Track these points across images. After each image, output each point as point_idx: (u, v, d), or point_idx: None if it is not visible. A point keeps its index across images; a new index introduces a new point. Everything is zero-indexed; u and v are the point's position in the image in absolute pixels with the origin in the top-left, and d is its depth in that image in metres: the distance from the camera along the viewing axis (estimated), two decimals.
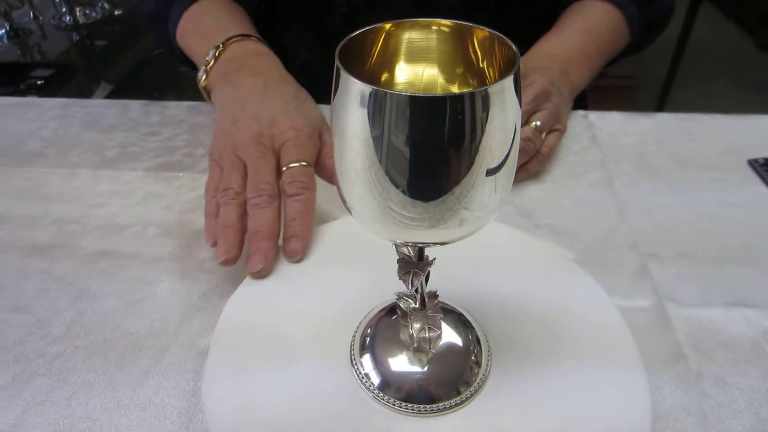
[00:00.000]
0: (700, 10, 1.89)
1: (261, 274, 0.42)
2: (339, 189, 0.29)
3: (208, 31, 0.59)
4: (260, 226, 0.43)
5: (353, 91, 0.25)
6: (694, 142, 0.61)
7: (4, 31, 1.85)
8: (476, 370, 0.36)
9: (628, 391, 0.36)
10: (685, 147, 0.60)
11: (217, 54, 0.55)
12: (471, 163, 0.25)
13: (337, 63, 0.25)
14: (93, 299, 0.42)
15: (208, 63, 0.55)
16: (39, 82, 1.61)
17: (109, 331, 0.40)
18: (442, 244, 0.30)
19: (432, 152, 0.25)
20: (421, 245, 0.32)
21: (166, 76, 1.91)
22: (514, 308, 0.41)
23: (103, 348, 0.39)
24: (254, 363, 0.37)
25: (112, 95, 1.70)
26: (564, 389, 0.36)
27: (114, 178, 0.54)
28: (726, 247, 0.48)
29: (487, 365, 0.37)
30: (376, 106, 0.24)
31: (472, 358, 0.37)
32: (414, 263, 0.33)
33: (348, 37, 0.27)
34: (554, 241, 0.48)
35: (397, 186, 0.26)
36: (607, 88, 1.85)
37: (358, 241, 0.46)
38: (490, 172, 0.26)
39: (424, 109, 0.24)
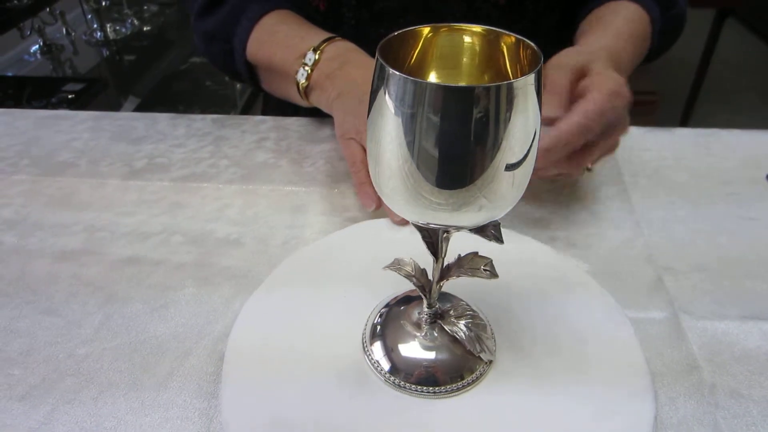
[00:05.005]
0: (724, 26, 1.88)
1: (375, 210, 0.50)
2: (374, 181, 0.32)
3: (289, 39, 0.62)
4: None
5: (393, 84, 0.27)
6: (712, 156, 0.61)
7: (37, 46, 1.92)
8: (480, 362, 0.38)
9: (631, 400, 0.36)
10: (703, 162, 0.60)
11: (317, 57, 0.58)
12: (493, 157, 0.28)
13: (377, 58, 0.28)
14: (120, 303, 0.44)
15: (307, 65, 0.59)
16: (70, 96, 1.65)
17: (135, 334, 0.41)
18: (462, 228, 0.32)
19: (459, 142, 0.27)
20: (444, 227, 0.33)
21: (192, 90, 1.95)
22: (523, 310, 0.42)
23: (129, 350, 0.40)
24: (270, 365, 0.39)
25: (140, 108, 1.74)
26: (563, 387, 0.37)
27: (141, 188, 0.56)
28: (742, 261, 0.48)
29: (493, 349, 0.38)
30: (414, 97, 0.27)
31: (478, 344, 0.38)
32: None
33: (387, 38, 0.29)
34: (570, 253, 0.48)
35: (427, 174, 0.29)
36: (631, 104, 1.84)
37: (365, 250, 0.48)
38: (510, 168, 0.28)
39: (454, 98, 0.26)
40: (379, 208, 0.50)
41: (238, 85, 1.86)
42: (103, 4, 2.19)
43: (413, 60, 0.33)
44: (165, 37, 2.23)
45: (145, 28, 2.27)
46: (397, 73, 0.26)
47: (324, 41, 0.59)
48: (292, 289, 0.44)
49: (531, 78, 0.26)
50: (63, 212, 0.53)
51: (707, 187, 0.56)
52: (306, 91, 0.60)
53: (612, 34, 0.59)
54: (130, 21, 2.25)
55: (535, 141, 0.29)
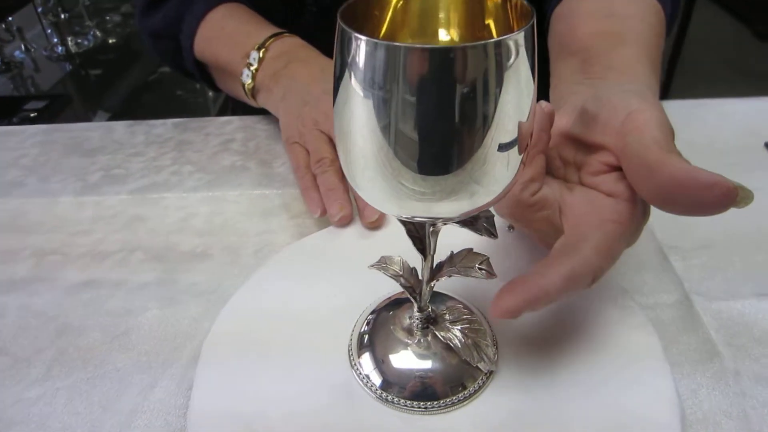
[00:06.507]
0: (696, 2, 1.87)
1: (344, 222, 0.45)
2: (347, 174, 0.28)
3: (235, 36, 0.58)
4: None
5: (360, 51, 0.23)
6: (707, 127, 0.58)
7: None
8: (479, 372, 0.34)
9: (652, 393, 0.32)
10: (699, 133, 0.57)
11: (261, 55, 0.55)
12: (483, 136, 0.24)
13: (339, 24, 0.24)
14: (75, 334, 0.39)
15: (252, 65, 0.55)
16: (32, 115, 1.59)
17: (93, 368, 0.37)
18: (451, 219, 0.28)
19: (442, 119, 0.23)
20: (430, 220, 0.29)
21: (163, 100, 1.90)
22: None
23: (87, 388, 0.36)
24: (248, 372, 0.35)
25: None
26: (579, 381, 0.33)
27: (97, 204, 0.51)
28: (750, 235, 0.45)
29: (494, 357, 0.34)
30: (387, 67, 0.22)
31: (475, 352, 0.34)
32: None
33: (348, 3, 0.25)
34: None
35: (407, 160, 0.24)
36: None
37: (350, 247, 0.44)
38: (503, 147, 0.24)
39: (434, 62, 0.22)
40: (325, 215, 0.46)
41: (210, 93, 1.81)
42: (62, 17, 2.12)
43: (383, 31, 0.28)
44: (131, 48, 2.16)
45: (110, 41, 2.20)
46: (363, 37, 0.22)
47: (270, 38, 0.56)
48: (267, 301, 0.39)
49: (521, 36, 0.22)
50: (9, 237, 0.48)
51: (706, 159, 0.52)
52: (253, 93, 0.57)
53: (647, 58, 0.42)
54: (92, 33, 2.18)
55: (530, 115, 0.25)
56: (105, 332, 0.39)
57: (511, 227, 0.40)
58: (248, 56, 0.56)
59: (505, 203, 0.34)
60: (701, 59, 2.23)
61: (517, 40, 0.22)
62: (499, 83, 0.22)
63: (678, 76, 1.99)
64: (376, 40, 0.22)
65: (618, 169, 0.33)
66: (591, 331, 0.36)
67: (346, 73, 0.24)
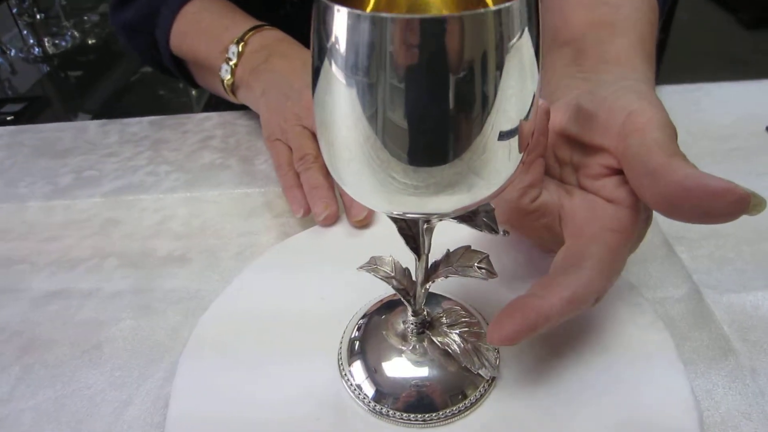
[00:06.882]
0: None
1: (329, 221, 0.43)
2: (330, 168, 0.25)
3: (213, 29, 0.55)
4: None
5: (341, 27, 0.20)
6: (704, 112, 0.56)
7: None
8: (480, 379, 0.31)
9: (667, 396, 0.30)
10: (697, 119, 0.55)
11: (240, 49, 0.52)
12: (483, 123, 0.21)
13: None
14: (42, 349, 0.36)
15: (230, 60, 0.53)
16: (9, 118, 1.55)
17: (61, 386, 0.34)
18: (447, 215, 0.26)
19: (436, 102, 0.20)
20: (424, 216, 0.26)
21: (145, 101, 1.86)
22: None
23: (55, 408, 0.33)
24: (229, 384, 0.32)
25: None
26: (588, 384, 0.31)
27: (68, 208, 0.48)
28: (758, 223, 0.42)
29: (496, 362, 0.32)
30: (372, 45, 0.20)
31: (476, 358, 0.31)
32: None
33: None
34: None
35: (397, 152, 0.22)
36: None
37: (337, 247, 0.41)
38: (504, 136, 0.21)
39: (426, 34, 0.19)
40: (308, 214, 0.44)
41: (194, 92, 1.77)
42: (38, 17, 2.07)
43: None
44: (111, 49, 2.12)
45: (89, 41, 2.16)
46: (345, 8, 0.19)
47: (249, 31, 0.53)
48: (250, 307, 0.37)
49: (523, 5, 0.20)
50: None
51: (706, 145, 0.51)
52: (233, 89, 0.54)
53: (641, 49, 0.40)
54: (69, 33, 2.14)
55: (535, 99, 0.22)
56: (75, 346, 0.36)
57: (506, 232, 0.38)
58: (227, 51, 0.53)
59: (503, 210, 0.32)
60: (686, 47, 2.22)
61: (520, 9, 0.19)
62: (501, 59, 0.20)
63: (663, 64, 1.98)
64: (359, 12, 0.19)
65: (619, 172, 0.31)
66: (598, 331, 0.33)
67: (326, 56, 0.21)
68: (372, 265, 0.32)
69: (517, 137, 0.23)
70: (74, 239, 0.45)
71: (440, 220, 0.26)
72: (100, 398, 0.33)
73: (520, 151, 0.24)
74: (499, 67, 0.20)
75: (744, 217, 0.45)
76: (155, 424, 0.32)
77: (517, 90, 0.21)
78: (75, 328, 0.38)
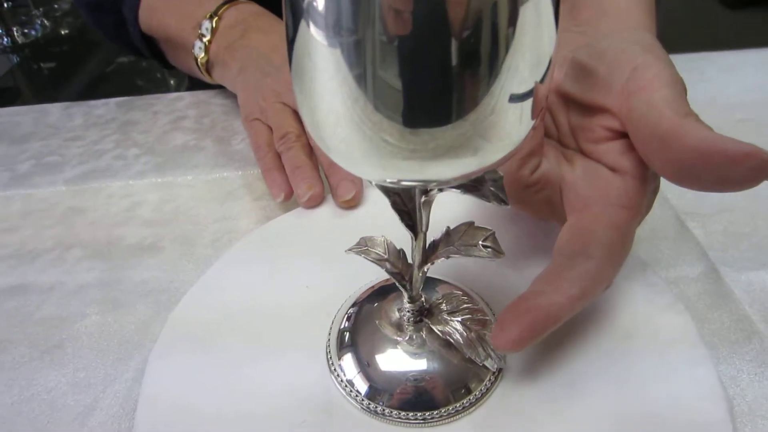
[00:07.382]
0: None
1: (313, 202, 0.40)
2: (315, 136, 0.21)
3: (184, 4, 0.52)
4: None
5: None
6: (709, 83, 0.53)
7: None
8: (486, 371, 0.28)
9: (691, 384, 0.27)
10: (699, 88, 0.52)
11: (214, 25, 0.49)
12: (490, 84, 0.18)
13: None
14: None
15: (204, 36, 0.49)
16: None
17: (18, 390, 0.30)
18: (448, 184, 0.22)
19: (436, 59, 0.17)
20: (422, 184, 0.23)
21: (122, 92, 1.80)
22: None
23: (11, 415, 0.29)
24: (205, 383, 0.29)
25: None
26: (603, 373, 0.28)
27: (27, 197, 0.44)
28: None
29: (503, 354, 0.28)
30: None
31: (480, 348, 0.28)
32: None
33: None
34: None
35: (391, 113, 0.18)
36: None
37: (323, 229, 0.38)
38: (516, 99, 0.18)
39: None
40: (290, 198, 0.40)
41: (172, 81, 1.72)
42: (6, 5, 2.00)
43: None
44: (85, 39, 2.05)
45: (62, 32, 2.09)
46: None
47: (223, 4, 0.50)
48: (227, 298, 0.33)
49: None
50: None
51: (714, 115, 0.47)
52: (207, 68, 0.50)
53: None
54: (39, 22, 2.06)
55: (552, 61, 0.19)
56: (34, 346, 0.33)
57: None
58: (200, 26, 0.50)
59: None
60: (669, 29, 2.21)
61: None
62: (514, 10, 0.17)
63: None
64: None
65: (623, 135, 0.27)
66: (613, 314, 0.31)
67: (303, 17, 0.18)
68: (362, 247, 0.28)
69: (531, 101, 0.20)
70: (34, 230, 0.41)
71: (440, 190, 0.23)
72: (62, 403, 0.30)
73: (532, 118, 0.20)
74: (512, 20, 0.17)
75: (754, 190, 0.42)
76: (123, 430, 0.28)
77: (532, 47, 0.18)
78: (34, 326, 0.34)
